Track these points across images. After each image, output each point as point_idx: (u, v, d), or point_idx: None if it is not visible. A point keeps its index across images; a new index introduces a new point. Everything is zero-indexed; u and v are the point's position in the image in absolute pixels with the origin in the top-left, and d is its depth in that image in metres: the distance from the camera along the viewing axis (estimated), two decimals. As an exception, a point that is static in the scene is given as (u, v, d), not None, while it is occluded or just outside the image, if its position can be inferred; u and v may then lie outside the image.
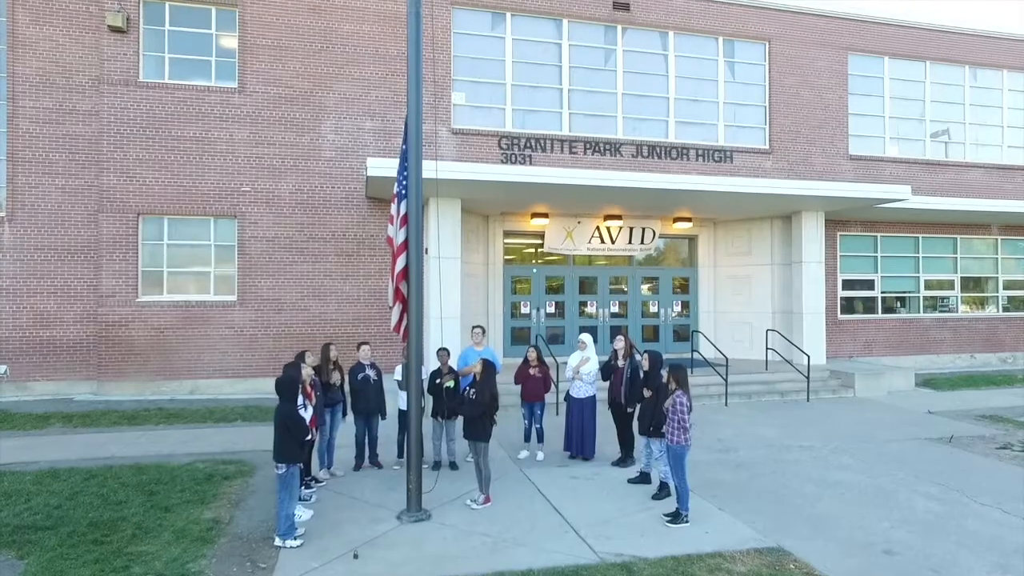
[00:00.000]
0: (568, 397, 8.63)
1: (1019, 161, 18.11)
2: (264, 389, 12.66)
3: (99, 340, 12.43)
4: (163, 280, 12.84)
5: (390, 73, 13.69)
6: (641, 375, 7.70)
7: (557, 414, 10.52)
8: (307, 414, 6.24)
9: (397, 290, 7.04)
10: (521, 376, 8.57)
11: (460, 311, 12.52)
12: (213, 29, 13.19)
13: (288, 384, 5.69)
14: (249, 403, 11.89)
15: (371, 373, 7.96)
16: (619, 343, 8.38)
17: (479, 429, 6.64)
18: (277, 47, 13.24)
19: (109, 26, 12.35)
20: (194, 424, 10.47)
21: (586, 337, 8.74)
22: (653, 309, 16.36)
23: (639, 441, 7.74)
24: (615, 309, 16.09)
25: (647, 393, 7.32)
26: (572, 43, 15.05)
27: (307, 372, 6.47)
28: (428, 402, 7.77)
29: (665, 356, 14.93)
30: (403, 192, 6.90)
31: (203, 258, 13.07)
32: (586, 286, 16.09)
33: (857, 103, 16.88)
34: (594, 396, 8.50)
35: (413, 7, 6.66)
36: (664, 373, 6.80)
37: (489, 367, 6.84)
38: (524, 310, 15.50)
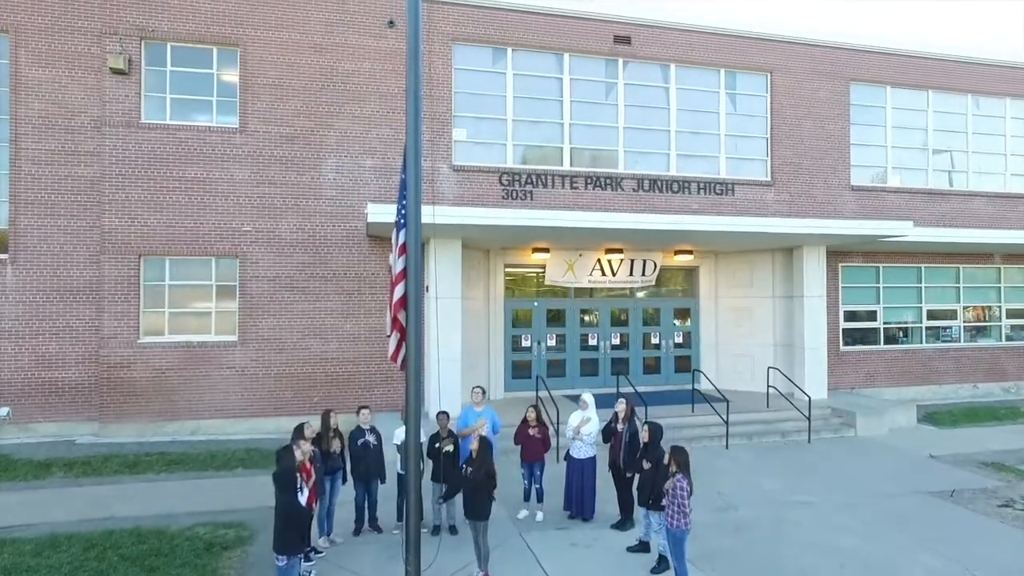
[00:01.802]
0: (568, 457, 8.61)
1: (1022, 190, 18.03)
2: (265, 428, 12.74)
3: (101, 381, 12.46)
4: (165, 321, 12.86)
5: (391, 111, 13.69)
6: (640, 443, 7.68)
7: (558, 462, 10.48)
8: (304, 496, 6.22)
9: (395, 319, 6.99)
10: (521, 437, 8.57)
11: (461, 352, 12.55)
12: (214, 69, 13.21)
13: (285, 476, 5.69)
14: (250, 445, 11.94)
15: (371, 439, 7.96)
16: (620, 406, 8.36)
17: (478, 508, 6.63)
18: (278, 86, 13.26)
19: (111, 68, 12.39)
20: (195, 472, 10.50)
21: (587, 396, 8.72)
22: (654, 341, 16.34)
23: (639, 509, 7.72)
24: (616, 341, 16.08)
25: (646, 465, 7.30)
26: (573, 77, 15.03)
27: (304, 451, 6.43)
28: (427, 466, 7.77)
29: (666, 387, 14.82)
30: (402, 222, 6.84)
31: (204, 298, 13.09)
32: (587, 318, 16.09)
33: (859, 133, 16.83)
34: (594, 457, 8.47)
35: (413, 44, 6.60)
36: (664, 449, 6.79)
37: (485, 445, 6.83)
38: (525, 343, 15.49)
